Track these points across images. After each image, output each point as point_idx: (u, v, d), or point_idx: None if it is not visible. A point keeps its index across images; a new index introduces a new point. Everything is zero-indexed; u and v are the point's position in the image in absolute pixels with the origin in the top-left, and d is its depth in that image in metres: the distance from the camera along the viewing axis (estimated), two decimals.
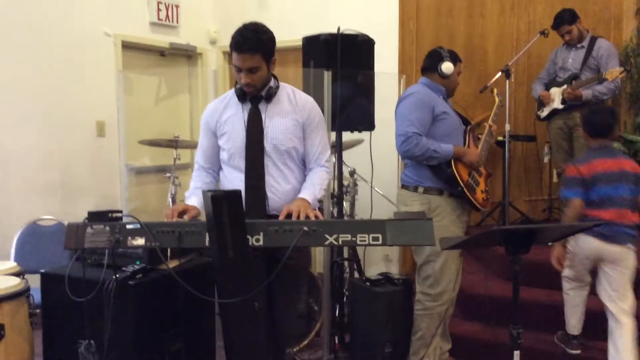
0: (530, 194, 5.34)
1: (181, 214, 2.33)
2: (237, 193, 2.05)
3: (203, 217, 2.18)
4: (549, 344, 3.45)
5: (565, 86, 4.50)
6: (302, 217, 2.21)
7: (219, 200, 1.97)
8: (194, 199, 2.50)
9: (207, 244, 2.07)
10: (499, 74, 4.37)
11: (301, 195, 2.46)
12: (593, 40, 4.55)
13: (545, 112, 4.61)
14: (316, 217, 2.24)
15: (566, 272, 3.31)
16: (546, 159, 4.93)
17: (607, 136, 3.19)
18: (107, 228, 2.13)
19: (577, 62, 4.53)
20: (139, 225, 2.11)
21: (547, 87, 4.64)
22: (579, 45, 4.55)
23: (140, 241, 2.11)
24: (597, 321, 3.24)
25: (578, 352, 3.32)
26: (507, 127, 4.20)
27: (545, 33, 4.60)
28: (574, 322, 3.32)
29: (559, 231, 2.61)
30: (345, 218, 4.04)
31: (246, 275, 2.07)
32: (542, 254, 3.85)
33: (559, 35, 4.53)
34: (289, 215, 2.26)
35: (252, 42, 2.38)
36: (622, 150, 3.98)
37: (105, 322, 2.58)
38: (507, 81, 4.18)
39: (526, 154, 5.32)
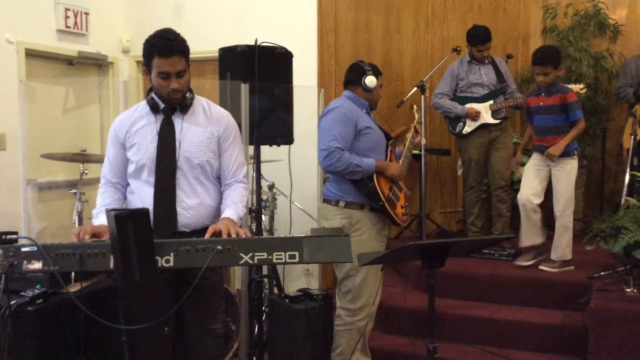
0: (445, 206, 5.48)
1: (95, 236, 2.17)
2: (144, 212, 1.94)
3: None
4: (468, 355, 3.51)
5: (491, 101, 4.60)
6: (233, 236, 2.14)
7: (124, 220, 1.85)
8: (103, 217, 2.34)
9: (111, 266, 1.94)
10: (415, 89, 4.46)
11: (225, 214, 2.38)
12: (492, 58, 4.72)
13: (471, 127, 4.67)
14: (246, 235, 2.17)
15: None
16: (460, 172, 5.06)
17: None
18: (0, 251, 1.95)
19: (490, 77, 4.67)
20: (35, 248, 1.95)
21: (460, 102, 4.72)
22: (486, 62, 4.71)
23: (37, 265, 1.96)
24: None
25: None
26: (423, 141, 4.27)
27: (457, 50, 4.75)
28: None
29: (472, 245, 2.66)
30: (264, 233, 3.96)
31: (154, 299, 1.95)
32: (459, 265, 3.96)
33: (477, 50, 4.62)
34: (215, 235, 2.17)
35: (178, 44, 2.32)
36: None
37: (1, 352, 2.37)
38: (422, 96, 4.26)
39: (441, 167, 5.45)
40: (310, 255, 2.06)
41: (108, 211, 1.90)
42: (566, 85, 4.38)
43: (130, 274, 1.89)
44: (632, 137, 4.15)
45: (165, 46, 2.29)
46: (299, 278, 4.86)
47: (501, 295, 3.85)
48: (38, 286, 2.63)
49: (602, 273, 3.61)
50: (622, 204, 3.60)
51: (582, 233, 4.76)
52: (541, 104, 3.93)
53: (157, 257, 1.95)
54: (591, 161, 5.26)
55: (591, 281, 3.61)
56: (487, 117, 4.62)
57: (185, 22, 5.11)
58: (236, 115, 3.36)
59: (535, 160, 4.02)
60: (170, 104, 2.42)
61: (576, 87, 4.38)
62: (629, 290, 3.34)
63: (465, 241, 2.84)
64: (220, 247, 2.00)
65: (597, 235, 3.48)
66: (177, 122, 2.43)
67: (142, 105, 2.49)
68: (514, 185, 4.96)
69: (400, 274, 4.41)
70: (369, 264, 2.66)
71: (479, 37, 4.60)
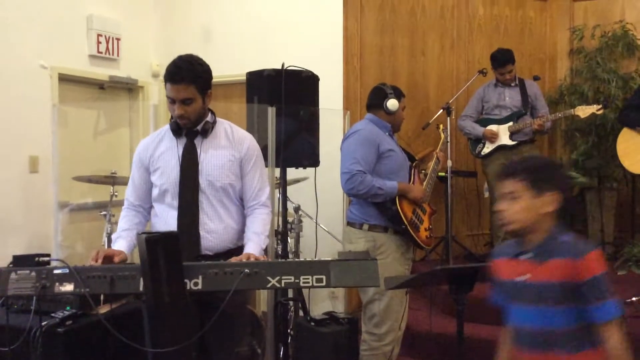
0: (472, 229, 5.42)
1: (107, 258, 2.21)
2: (174, 235, 1.97)
3: (136, 260, 2.08)
4: None
5: (511, 123, 4.58)
6: None
7: (155, 243, 1.88)
8: (121, 242, 2.39)
9: (141, 289, 1.97)
10: (440, 111, 4.46)
11: (246, 249, 2.39)
12: (522, 80, 4.71)
13: (489, 149, 4.67)
14: None
15: None
16: (487, 194, 5.01)
17: None
18: (33, 273, 2.00)
19: (515, 99, 4.65)
20: (67, 270, 1.98)
21: (482, 124, 4.71)
22: (512, 85, 4.69)
23: (69, 287, 1.99)
24: None
25: None
26: (449, 163, 4.26)
27: (484, 72, 4.74)
28: None
29: None
30: (290, 255, 3.96)
31: (183, 322, 1.97)
32: (488, 289, 3.89)
33: (499, 73, 4.64)
34: None
35: (186, 72, 2.34)
36: None
37: None
38: (448, 118, 4.26)
39: (467, 189, 5.41)
40: (338, 279, 2.05)
41: (139, 235, 1.93)
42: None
43: (159, 296, 1.91)
44: None
45: (172, 73, 2.34)
46: (324, 301, 4.84)
47: None
48: (68, 308, 2.67)
49: (634, 299, 3.53)
50: None
51: (613, 257, 4.67)
52: (524, 278, 1.89)
53: (185, 280, 1.97)
54: (621, 183, 5.17)
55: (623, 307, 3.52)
56: (504, 139, 4.59)
57: (214, 46, 5.21)
58: (263, 138, 3.41)
59: None
60: (185, 128, 2.45)
61: (592, 108, 4.33)
62: None
63: None
64: (248, 271, 2.01)
65: (628, 259, 3.41)
66: (199, 145, 2.46)
67: (165, 129, 2.53)
68: None
69: (425, 297, 4.36)
70: (395, 288, 2.64)
71: (498, 60, 4.62)
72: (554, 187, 1.83)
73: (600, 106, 4.34)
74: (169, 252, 1.91)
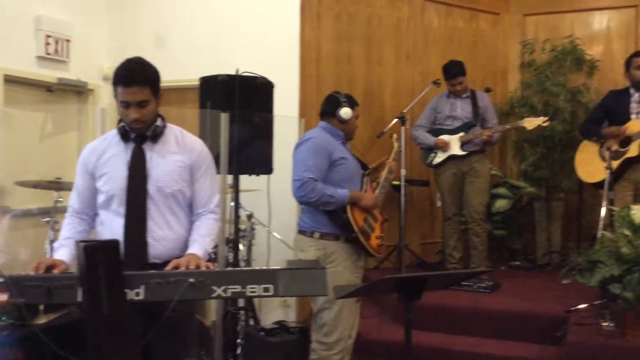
0: (425, 237, 5.47)
1: (49, 268, 2.13)
2: (114, 243, 1.90)
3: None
4: None
5: (462, 133, 4.65)
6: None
7: (93, 251, 1.81)
8: (63, 251, 2.31)
9: (79, 299, 1.90)
10: (395, 120, 4.50)
11: (190, 250, 2.34)
12: (473, 92, 4.79)
13: (441, 158, 4.73)
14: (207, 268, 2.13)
15: None
16: (439, 203, 5.07)
17: None
18: None
19: (466, 110, 4.72)
20: (1, 279, 1.89)
21: (434, 134, 4.78)
22: (464, 96, 4.77)
23: (2, 297, 1.90)
24: None
25: None
26: (403, 171, 4.29)
27: (437, 83, 4.81)
28: None
29: (449, 278, 2.65)
30: (242, 263, 3.91)
31: (123, 334, 1.90)
32: (437, 297, 3.94)
33: (450, 85, 4.72)
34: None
35: (140, 74, 2.29)
36: None
37: None
38: (403, 127, 4.29)
39: (420, 198, 5.46)
40: (286, 288, 2.02)
41: (78, 243, 1.86)
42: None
43: (98, 307, 1.84)
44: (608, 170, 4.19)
45: (125, 76, 2.27)
46: (276, 309, 4.79)
47: (479, 328, 3.83)
48: (4, 317, 2.56)
49: (579, 307, 3.62)
50: (599, 237, 3.62)
51: (560, 265, 4.79)
52: None
53: (126, 290, 1.90)
54: (568, 193, 5.32)
55: (568, 315, 3.60)
56: (455, 149, 4.66)
57: (167, 50, 5.12)
58: (216, 145, 3.36)
59: None
60: (135, 133, 2.39)
61: (539, 120, 4.47)
62: (605, 324, 3.34)
63: (442, 274, 2.84)
64: (192, 280, 1.96)
65: (573, 268, 3.48)
66: (148, 151, 2.40)
67: (113, 134, 2.46)
68: (491, 217, 5.00)
69: (377, 305, 4.37)
70: (345, 297, 2.63)
71: (449, 72, 4.70)
72: None
73: (546, 118, 4.48)
74: (109, 261, 1.84)
